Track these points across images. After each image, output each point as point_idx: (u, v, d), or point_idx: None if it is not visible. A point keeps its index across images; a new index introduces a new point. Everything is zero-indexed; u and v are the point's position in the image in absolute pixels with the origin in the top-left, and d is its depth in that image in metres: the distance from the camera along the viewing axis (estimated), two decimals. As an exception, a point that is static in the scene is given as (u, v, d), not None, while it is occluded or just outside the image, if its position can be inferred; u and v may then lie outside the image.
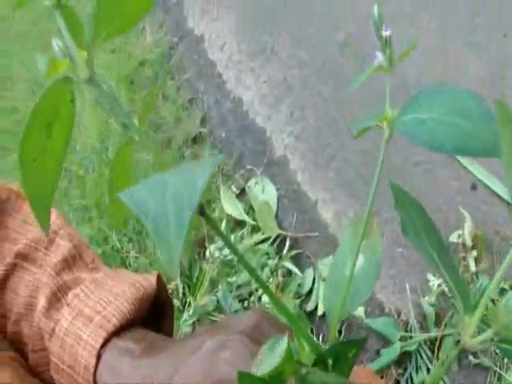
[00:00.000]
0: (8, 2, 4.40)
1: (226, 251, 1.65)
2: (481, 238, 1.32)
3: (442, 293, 1.31)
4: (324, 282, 1.52)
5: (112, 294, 0.47)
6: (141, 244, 1.96)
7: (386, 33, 0.23)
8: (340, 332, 1.47)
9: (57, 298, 0.49)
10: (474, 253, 1.31)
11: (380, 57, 0.24)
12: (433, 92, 0.24)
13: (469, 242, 1.32)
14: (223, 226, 1.74)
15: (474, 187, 1.39)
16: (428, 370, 1.27)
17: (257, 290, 1.62)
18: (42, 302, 0.49)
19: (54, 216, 0.54)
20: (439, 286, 1.31)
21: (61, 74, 0.19)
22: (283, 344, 0.25)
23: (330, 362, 0.31)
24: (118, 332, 0.46)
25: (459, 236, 1.33)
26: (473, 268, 1.30)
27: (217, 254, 1.67)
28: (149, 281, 0.49)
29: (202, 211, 0.23)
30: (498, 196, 1.33)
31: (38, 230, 0.53)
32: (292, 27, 2.03)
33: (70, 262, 0.51)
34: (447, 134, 0.22)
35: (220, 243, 1.68)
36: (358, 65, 1.74)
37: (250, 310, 0.44)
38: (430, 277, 1.34)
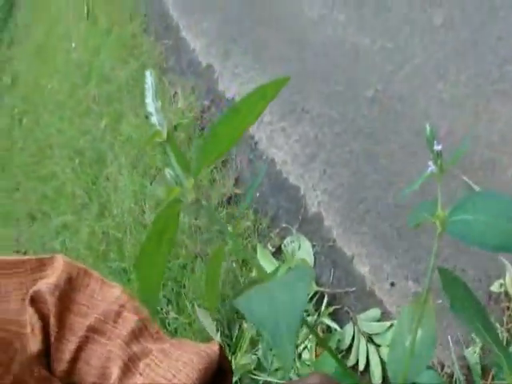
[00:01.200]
0: (47, 73, 4.64)
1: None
2: (523, 287, 1.31)
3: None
4: (387, 355, 1.51)
5: (180, 362, 0.51)
6: (180, 305, 1.99)
7: (437, 147, 0.27)
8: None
9: (128, 367, 0.53)
10: (517, 302, 1.30)
11: (432, 166, 0.28)
12: (479, 197, 0.28)
13: (511, 291, 1.31)
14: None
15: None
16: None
17: (296, 347, 1.62)
18: (115, 371, 0.52)
19: (118, 291, 0.58)
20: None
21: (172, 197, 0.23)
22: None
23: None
24: None
25: (501, 285, 1.33)
26: (516, 318, 1.29)
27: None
28: (212, 350, 0.53)
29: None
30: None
31: (104, 305, 0.57)
32: (321, 85, 2.10)
33: (137, 333, 0.55)
34: (490, 234, 0.26)
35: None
36: (388, 120, 1.79)
37: (311, 373, 0.46)
38: (472, 328, 1.33)
